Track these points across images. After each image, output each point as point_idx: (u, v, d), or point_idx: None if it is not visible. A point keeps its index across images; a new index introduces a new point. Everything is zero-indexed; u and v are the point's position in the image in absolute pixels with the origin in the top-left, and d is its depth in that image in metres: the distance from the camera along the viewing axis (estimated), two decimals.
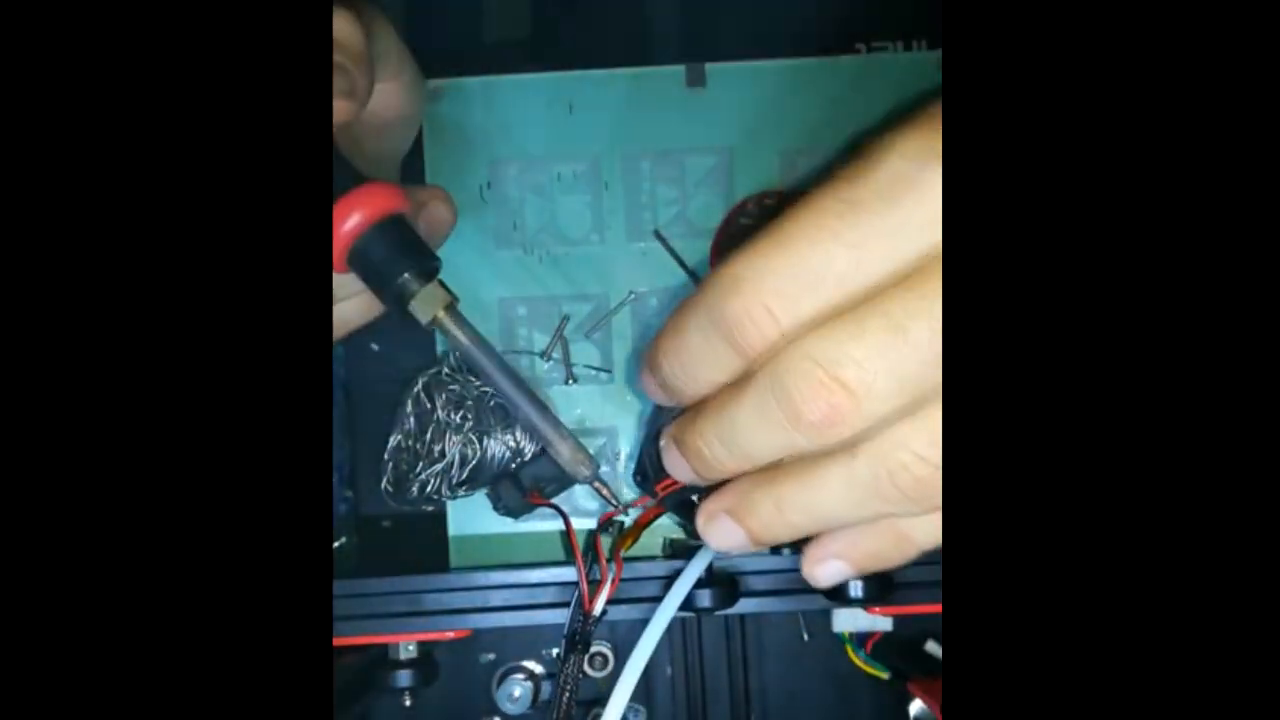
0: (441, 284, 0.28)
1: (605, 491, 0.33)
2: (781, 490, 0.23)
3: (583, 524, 0.37)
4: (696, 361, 0.23)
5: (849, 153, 0.21)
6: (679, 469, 0.26)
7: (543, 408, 0.31)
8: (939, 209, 0.20)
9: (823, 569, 0.25)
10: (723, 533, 0.25)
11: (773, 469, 0.24)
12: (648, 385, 0.26)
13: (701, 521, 0.26)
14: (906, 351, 0.20)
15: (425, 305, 0.28)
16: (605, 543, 0.33)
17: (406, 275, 0.27)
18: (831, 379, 0.20)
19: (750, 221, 0.37)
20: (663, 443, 0.26)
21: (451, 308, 0.28)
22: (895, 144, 0.20)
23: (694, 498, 0.29)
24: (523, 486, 0.35)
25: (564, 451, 0.31)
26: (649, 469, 0.31)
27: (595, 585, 0.31)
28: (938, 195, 0.20)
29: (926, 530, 0.24)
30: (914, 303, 0.20)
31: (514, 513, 0.36)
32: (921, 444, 0.21)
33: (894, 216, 0.20)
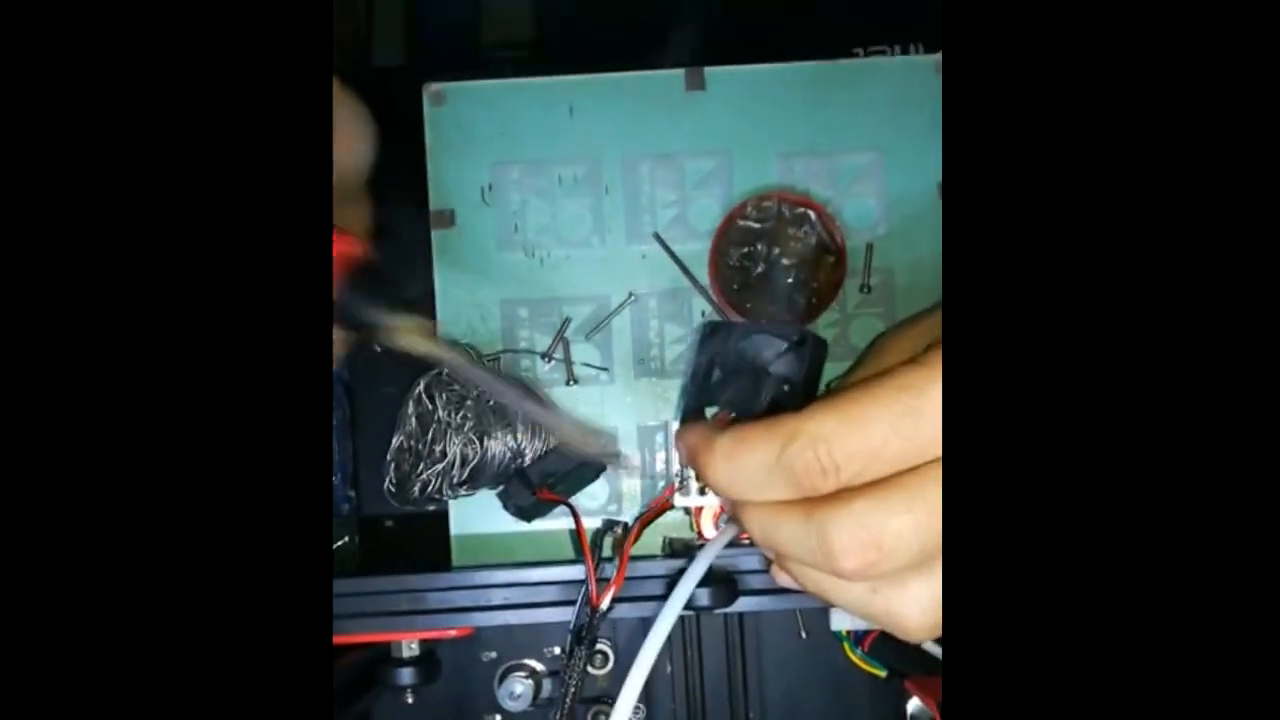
0: (412, 312, 0.30)
1: (632, 461, 0.37)
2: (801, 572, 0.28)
3: (588, 523, 0.37)
4: (751, 480, 0.26)
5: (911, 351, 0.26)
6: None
7: (540, 399, 0.33)
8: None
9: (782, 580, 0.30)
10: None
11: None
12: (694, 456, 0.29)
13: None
14: (934, 523, 0.24)
15: (413, 340, 0.30)
16: (608, 541, 0.34)
17: (386, 316, 0.29)
18: (873, 541, 0.24)
19: (750, 224, 0.37)
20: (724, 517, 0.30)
21: (432, 334, 0.31)
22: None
23: None
24: (531, 484, 0.35)
25: (571, 432, 0.33)
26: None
27: (602, 583, 0.31)
28: None
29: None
30: (935, 486, 0.24)
31: (525, 514, 0.36)
32: (927, 594, 0.25)
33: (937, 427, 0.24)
